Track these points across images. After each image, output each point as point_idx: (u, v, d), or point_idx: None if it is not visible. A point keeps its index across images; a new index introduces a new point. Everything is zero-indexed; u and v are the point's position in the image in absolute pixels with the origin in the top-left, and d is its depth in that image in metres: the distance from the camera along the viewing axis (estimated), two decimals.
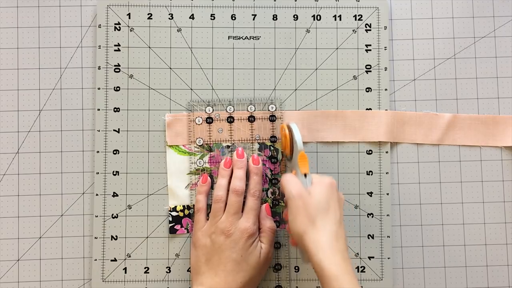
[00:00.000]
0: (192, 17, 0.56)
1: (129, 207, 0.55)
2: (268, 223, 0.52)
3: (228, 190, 0.52)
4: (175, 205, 0.55)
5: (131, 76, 0.56)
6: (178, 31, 0.56)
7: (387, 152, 0.55)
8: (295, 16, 0.57)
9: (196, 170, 0.55)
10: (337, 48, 0.56)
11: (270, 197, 0.55)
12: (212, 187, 0.54)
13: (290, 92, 0.56)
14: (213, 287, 0.49)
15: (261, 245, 0.51)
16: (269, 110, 0.56)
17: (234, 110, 0.55)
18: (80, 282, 0.55)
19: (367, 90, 0.56)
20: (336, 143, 0.56)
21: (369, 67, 0.56)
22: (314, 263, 0.44)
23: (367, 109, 0.56)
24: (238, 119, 0.55)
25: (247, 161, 0.54)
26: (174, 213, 0.55)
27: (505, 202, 0.56)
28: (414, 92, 0.57)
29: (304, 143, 0.55)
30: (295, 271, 0.55)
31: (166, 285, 0.54)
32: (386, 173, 0.55)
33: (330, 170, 0.55)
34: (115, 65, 0.56)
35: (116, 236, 0.55)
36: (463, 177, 0.56)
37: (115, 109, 0.55)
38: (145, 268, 0.55)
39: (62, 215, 0.55)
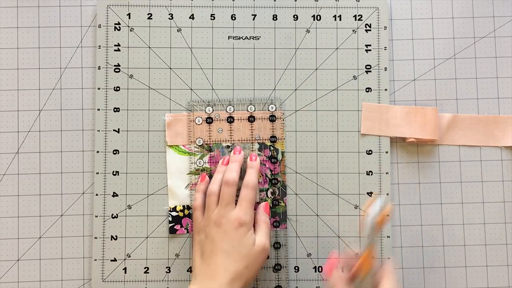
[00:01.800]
0: (192, 17, 0.56)
1: (129, 207, 0.55)
2: (263, 217, 0.52)
3: None
4: (175, 205, 0.55)
5: (131, 76, 0.56)
6: (178, 31, 0.56)
7: (387, 152, 0.56)
8: (295, 16, 0.57)
9: (196, 170, 0.55)
10: (337, 48, 0.56)
11: (270, 197, 0.55)
12: None
13: (290, 92, 0.56)
14: (205, 279, 0.48)
15: (254, 237, 0.50)
16: (269, 110, 0.56)
17: (234, 110, 0.55)
18: (80, 282, 0.55)
19: (367, 90, 0.56)
20: (336, 143, 0.56)
21: (369, 67, 0.56)
22: None
23: None
24: (238, 119, 0.55)
25: (246, 159, 0.54)
26: (174, 213, 0.55)
27: (505, 202, 0.56)
28: (414, 92, 0.57)
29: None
30: (295, 271, 0.55)
31: (166, 285, 0.54)
32: (386, 173, 0.55)
33: (330, 170, 0.55)
34: (115, 65, 0.56)
35: (116, 236, 0.55)
36: (463, 177, 0.56)
37: (115, 109, 0.56)
38: (145, 268, 0.55)
39: (62, 215, 0.55)
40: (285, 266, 0.55)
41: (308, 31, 0.57)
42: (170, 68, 0.56)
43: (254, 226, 0.52)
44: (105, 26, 0.56)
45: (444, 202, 0.56)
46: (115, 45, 0.56)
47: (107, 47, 0.56)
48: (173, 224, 0.55)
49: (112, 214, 0.55)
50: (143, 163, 0.55)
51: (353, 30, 0.57)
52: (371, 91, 0.56)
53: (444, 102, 0.57)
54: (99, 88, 0.56)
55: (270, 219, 0.54)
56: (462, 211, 0.56)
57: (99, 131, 0.55)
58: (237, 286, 0.48)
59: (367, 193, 0.55)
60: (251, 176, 0.52)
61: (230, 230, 0.49)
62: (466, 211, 0.56)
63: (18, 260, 0.55)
